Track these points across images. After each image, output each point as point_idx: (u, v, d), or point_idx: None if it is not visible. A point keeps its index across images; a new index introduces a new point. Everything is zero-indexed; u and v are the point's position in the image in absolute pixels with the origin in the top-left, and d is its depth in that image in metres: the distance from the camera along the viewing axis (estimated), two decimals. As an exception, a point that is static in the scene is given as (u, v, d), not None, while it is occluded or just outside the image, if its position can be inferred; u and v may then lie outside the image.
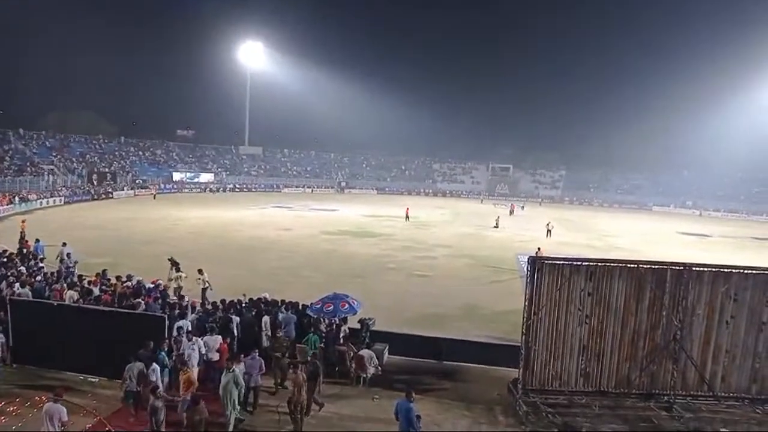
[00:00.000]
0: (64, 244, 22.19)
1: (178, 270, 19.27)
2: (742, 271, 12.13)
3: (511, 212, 61.88)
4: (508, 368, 13.42)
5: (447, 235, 41.35)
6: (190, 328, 13.01)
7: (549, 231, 42.12)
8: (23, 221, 31.25)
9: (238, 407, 10.60)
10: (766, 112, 78.84)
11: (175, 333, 12.80)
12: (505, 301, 21.09)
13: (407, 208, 52.97)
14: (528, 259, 12.46)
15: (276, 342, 13.29)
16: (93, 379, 12.65)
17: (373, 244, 35.27)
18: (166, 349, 11.94)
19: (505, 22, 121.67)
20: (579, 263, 12.23)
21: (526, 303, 12.14)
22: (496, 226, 46.95)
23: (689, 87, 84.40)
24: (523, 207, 68.48)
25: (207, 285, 18.51)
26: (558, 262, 12.35)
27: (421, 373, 14.06)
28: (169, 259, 19.97)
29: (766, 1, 74.01)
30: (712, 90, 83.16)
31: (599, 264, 12.26)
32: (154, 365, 11.09)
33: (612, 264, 12.31)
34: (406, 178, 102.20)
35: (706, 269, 12.17)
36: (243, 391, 10.84)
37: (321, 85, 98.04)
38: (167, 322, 12.82)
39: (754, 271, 12.13)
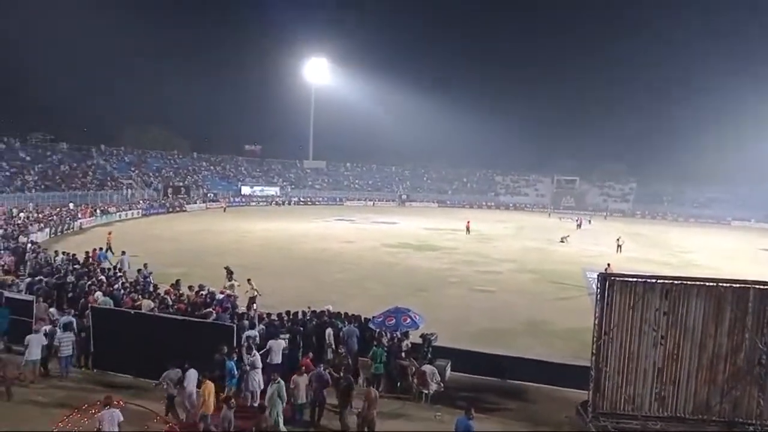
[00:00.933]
0: (123, 253, 24.58)
1: (231, 279, 20.13)
2: (836, 290, 11.17)
3: (579, 225, 59.91)
4: (576, 390, 12.93)
5: (510, 249, 40.53)
6: (258, 339, 13.41)
7: (619, 246, 40.39)
8: (110, 233, 33.13)
9: (281, 421, 10.71)
10: None
11: (244, 342, 13.22)
12: (572, 319, 20.38)
13: (468, 222, 52.32)
14: (598, 275, 12.00)
15: (337, 358, 13.41)
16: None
17: (434, 258, 35.09)
18: (235, 358, 12.32)
19: (571, 32, 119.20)
20: (653, 281, 11.66)
21: (596, 322, 11.67)
22: (563, 241, 45.51)
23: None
24: (590, 221, 66.15)
25: (256, 293, 19.12)
26: (630, 279, 11.82)
27: (484, 391, 13.79)
28: (225, 268, 20.96)
29: None
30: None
31: (675, 282, 11.63)
32: (189, 373, 11.44)
33: (689, 282, 11.65)
34: (467, 190, 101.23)
35: (795, 289, 11.29)
36: (284, 404, 10.96)
37: (383, 98, 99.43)
38: (236, 332, 13.29)
39: None
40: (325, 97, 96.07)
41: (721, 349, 11.39)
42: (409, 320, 14.17)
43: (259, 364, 12.30)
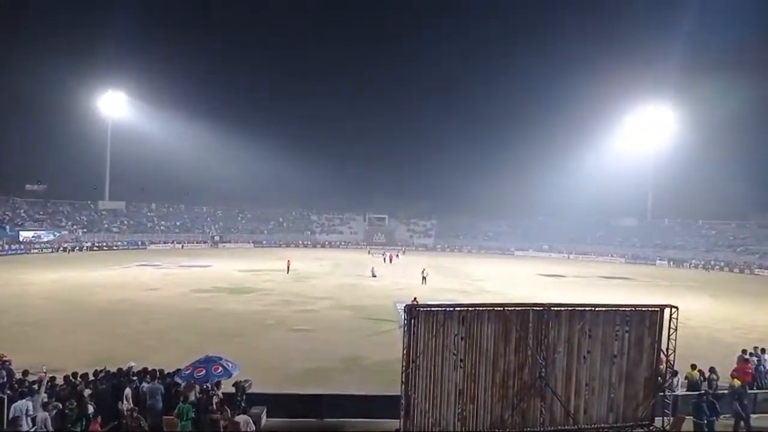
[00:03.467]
0: None
1: None
2: (593, 308, 13.39)
3: (390, 260, 63.45)
4: (390, 419, 13.36)
5: (328, 287, 41.11)
6: (32, 411, 11.39)
7: (424, 278, 43.61)
8: None
9: None
10: (608, 157, 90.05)
11: (14, 414, 11.11)
12: (385, 351, 21.20)
13: (288, 261, 52.06)
14: (404, 307, 12.71)
15: (132, 420, 11.96)
16: None
17: (250, 300, 33.94)
18: None
19: (379, 76, 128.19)
20: (451, 309, 12.73)
21: (404, 351, 12.30)
22: (374, 275, 47.76)
23: (545, 139, 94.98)
24: (398, 255, 70.47)
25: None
26: (432, 308, 12.75)
27: (302, 434, 13.54)
28: None
29: (616, 59, 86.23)
30: (564, 141, 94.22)
31: (469, 308, 12.85)
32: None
33: (481, 308, 12.96)
34: (284, 230, 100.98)
35: (563, 308, 13.26)
36: None
37: (190, 137, 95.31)
38: (6, 403, 11.14)
39: (603, 308, 13.45)
40: (123, 134, 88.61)
41: (510, 366, 12.80)
42: (221, 369, 13.35)
43: None
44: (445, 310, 12.63)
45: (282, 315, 29.38)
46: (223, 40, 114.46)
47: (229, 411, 12.74)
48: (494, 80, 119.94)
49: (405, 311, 12.51)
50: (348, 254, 78.49)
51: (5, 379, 13.57)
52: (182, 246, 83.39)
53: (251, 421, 12.49)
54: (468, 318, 12.58)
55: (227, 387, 13.83)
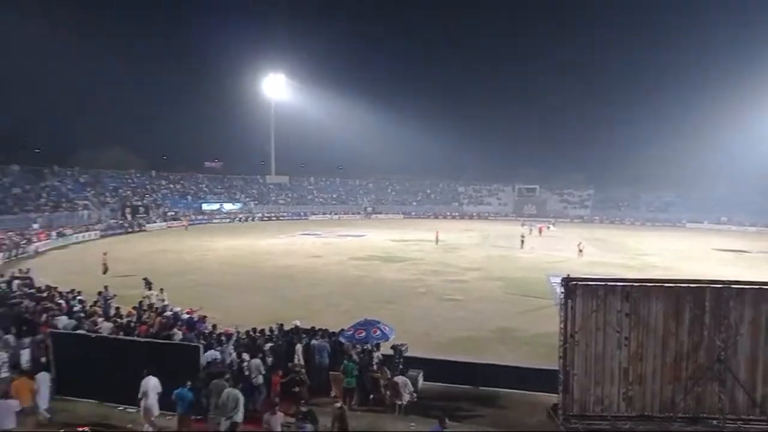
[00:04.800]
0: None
1: (150, 289, 21.64)
2: (786, 287, 11.70)
3: (540, 232, 61.17)
4: (546, 393, 13.12)
5: (476, 258, 41.02)
6: (219, 358, 13.14)
7: (580, 251, 41.40)
8: (105, 253, 32.88)
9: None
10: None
11: (207, 360, 12.91)
12: (538, 324, 20.73)
13: (437, 232, 52.68)
14: (561, 280, 12.22)
15: (299, 375, 13.09)
16: (131, 410, 12.79)
17: (402, 269, 35.18)
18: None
19: (532, 43, 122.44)
20: (614, 284, 11.99)
21: (561, 325, 11.91)
22: (522, 243, 46.85)
23: (718, 102, 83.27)
24: (548, 227, 67.52)
25: (165, 303, 19.90)
26: (592, 283, 12.12)
27: (457, 400, 13.84)
28: (143, 279, 22.92)
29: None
30: (741, 104, 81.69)
31: (635, 284, 11.99)
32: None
33: (649, 284, 12.02)
34: (431, 201, 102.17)
35: (747, 286, 11.79)
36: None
37: (344, 112, 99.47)
38: (201, 352, 12.97)
39: (799, 288, 11.70)
40: (285, 113, 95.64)
41: (683, 347, 11.77)
42: (379, 332, 14.14)
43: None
44: (606, 285, 11.94)
45: (432, 284, 30.03)
46: (375, 19, 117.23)
47: (388, 371, 13.49)
48: (663, 41, 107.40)
49: (562, 285, 12.06)
50: (496, 226, 77.12)
51: (208, 330, 15.74)
52: (338, 217, 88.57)
53: (409, 382, 13.10)
54: (633, 294, 11.76)
55: (385, 349, 14.59)
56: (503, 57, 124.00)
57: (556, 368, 12.13)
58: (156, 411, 11.52)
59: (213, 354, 13.33)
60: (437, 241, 50.11)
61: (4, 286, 22.26)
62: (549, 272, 33.02)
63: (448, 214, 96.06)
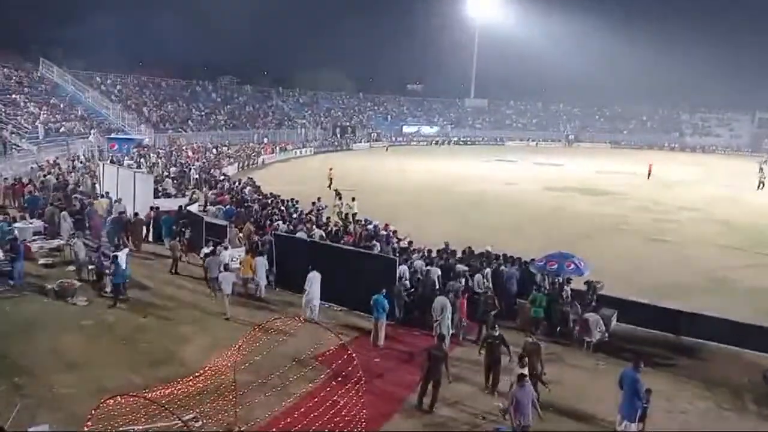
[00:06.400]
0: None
1: (340, 199, 24.48)
2: None
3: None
4: (762, 353, 11.61)
5: (696, 197, 36.08)
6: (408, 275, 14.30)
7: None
8: (330, 169, 36.19)
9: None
10: None
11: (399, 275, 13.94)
12: (763, 277, 17.92)
13: (650, 164, 46.63)
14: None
15: (487, 298, 13.08)
16: (337, 308, 14.52)
17: (603, 203, 32.87)
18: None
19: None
20: None
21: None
22: (760, 188, 39.70)
23: None
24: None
25: (354, 211, 22.59)
26: None
27: (653, 346, 12.98)
28: (334, 190, 26.11)
29: None
30: None
31: None
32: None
33: None
34: (647, 130, 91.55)
35: None
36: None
37: (550, 31, 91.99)
38: (397, 264, 14.00)
39: None
40: (488, 34, 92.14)
41: None
42: (573, 266, 13.61)
43: None
44: None
45: (638, 222, 27.63)
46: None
47: (579, 307, 13.04)
48: None
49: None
50: (727, 161, 66.46)
51: (396, 244, 16.96)
52: (536, 143, 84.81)
53: (602, 321, 12.54)
54: None
55: (577, 285, 14.03)
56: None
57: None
58: (317, 301, 13.57)
59: (404, 269, 14.33)
60: (649, 174, 44.89)
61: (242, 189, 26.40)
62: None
63: (666, 145, 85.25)
